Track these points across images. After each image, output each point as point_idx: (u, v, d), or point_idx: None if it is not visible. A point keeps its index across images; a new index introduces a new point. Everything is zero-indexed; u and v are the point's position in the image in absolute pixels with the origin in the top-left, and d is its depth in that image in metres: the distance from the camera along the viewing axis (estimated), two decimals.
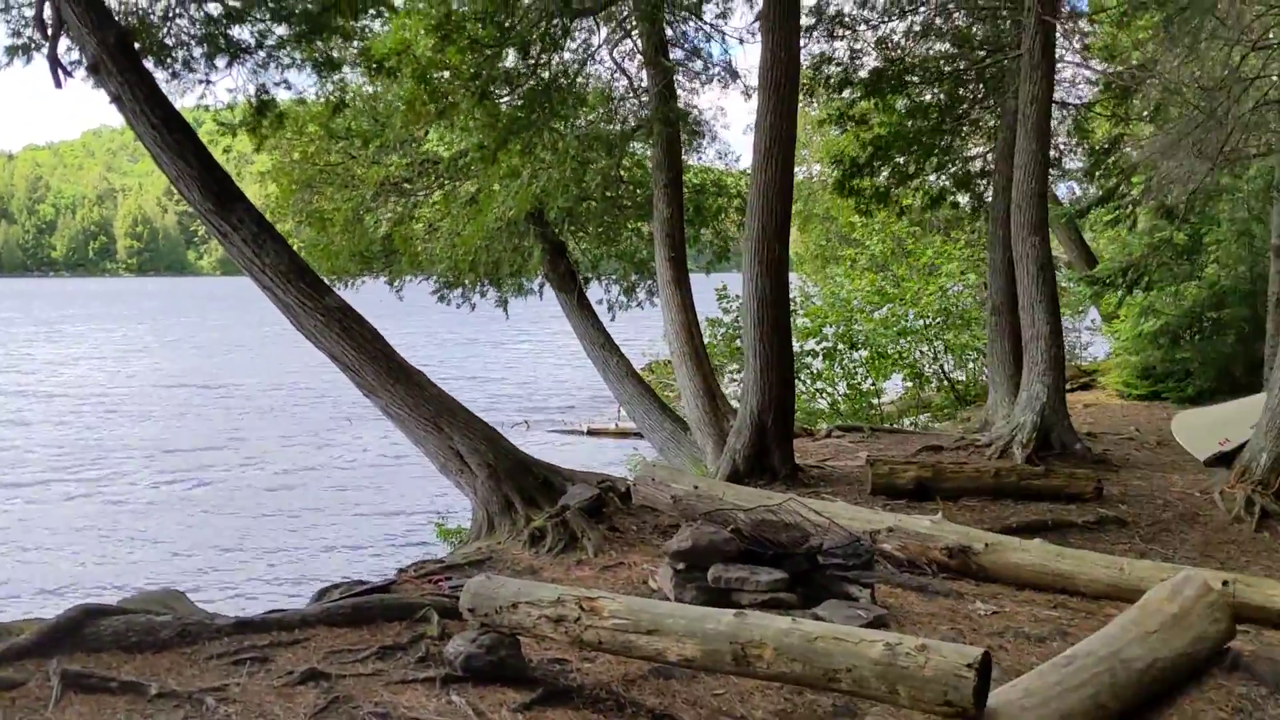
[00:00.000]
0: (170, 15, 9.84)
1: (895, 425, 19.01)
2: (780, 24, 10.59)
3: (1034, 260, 12.04)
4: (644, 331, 25.78)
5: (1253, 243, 19.95)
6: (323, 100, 13.31)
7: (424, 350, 42.49)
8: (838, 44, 15.85)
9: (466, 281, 16.18)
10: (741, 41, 15.90)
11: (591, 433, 27.03)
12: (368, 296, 17.88)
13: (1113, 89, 17.29)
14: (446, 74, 11.34)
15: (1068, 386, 16.45)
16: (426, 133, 15.76)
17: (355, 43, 11.32)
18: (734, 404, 15.82)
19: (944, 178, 16.76)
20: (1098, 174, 18.50)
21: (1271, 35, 18.70)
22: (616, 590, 6.99)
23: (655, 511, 9.02)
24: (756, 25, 13.89)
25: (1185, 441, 10.97)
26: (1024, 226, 12.10)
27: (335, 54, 11.13)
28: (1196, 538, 9.10)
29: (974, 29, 16.31)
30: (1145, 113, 18.35)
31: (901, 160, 16.01)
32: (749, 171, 17.88)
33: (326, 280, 16.43)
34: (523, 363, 45.21)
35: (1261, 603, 6.68)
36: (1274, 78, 18.50)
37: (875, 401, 19.84)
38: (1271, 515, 9.40)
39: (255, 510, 21.24)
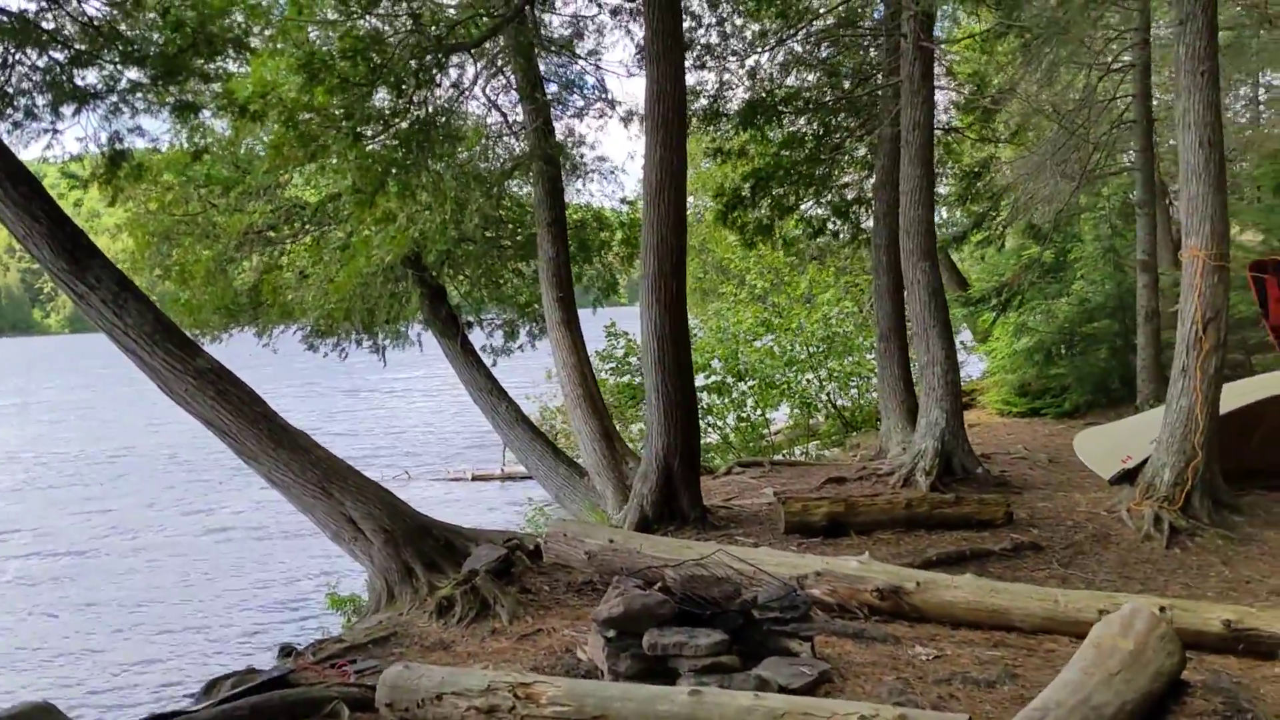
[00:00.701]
0: (9, 61, 9.06)
1: (789, 456, 18.91)
2: (664, 55, 10.32)
3: (925, 286, 12.01)
4: (531, 374, 25.28)
5: (1117, 258, 20.55)
6: (180, 147, 12.60)
7: (296, 403, 40.85)
8: (707, 75, 15.77)
9: (340, 331, 15.44)
10: (628, 74, 15.45)
11: (476, 479, 26.29)
12: (234, 348, 16.94)
13: (977, 112, 17.62)
14: (314, 116, 10.71)
15: None
16: (291, 178, 15.03)
17: (214, 85, 10.65)
18: (632, 445, 15.48)
19: (823, 207, 16.76)
20: (969, 197, 18.79)
21: (1127, 57, 19.41)
22: (539, 662, 6.52)
23: (568, 569, 8.55)
24: (639, 58, 13.70)
25: (1088, 460, 10.99)
26: (914, 253, 12.07)
27: (192, 98, 10.47)
28: (1112, 559, 9.05)
29: (841, 60, 16.41)
30: (1008, 135, 18.78)
31: (781, 192, 15.95)
32: (640, 206, 17.77)
33: (192, 335, 15.68)
34: (402, 411, 43.68)
35: (1199, 627, 6.57)
36: (1127, 99, 19.17)
37: (765, 433, 19.70)
38: (1180, 531, 9.43)
39: (116, 592, 19.40)
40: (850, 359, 20.16)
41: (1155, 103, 19.89)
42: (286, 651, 13.85)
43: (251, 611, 16.26)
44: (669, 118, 10.29)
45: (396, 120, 11.51)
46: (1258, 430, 11.00)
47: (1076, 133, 18.77)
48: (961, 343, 24.92)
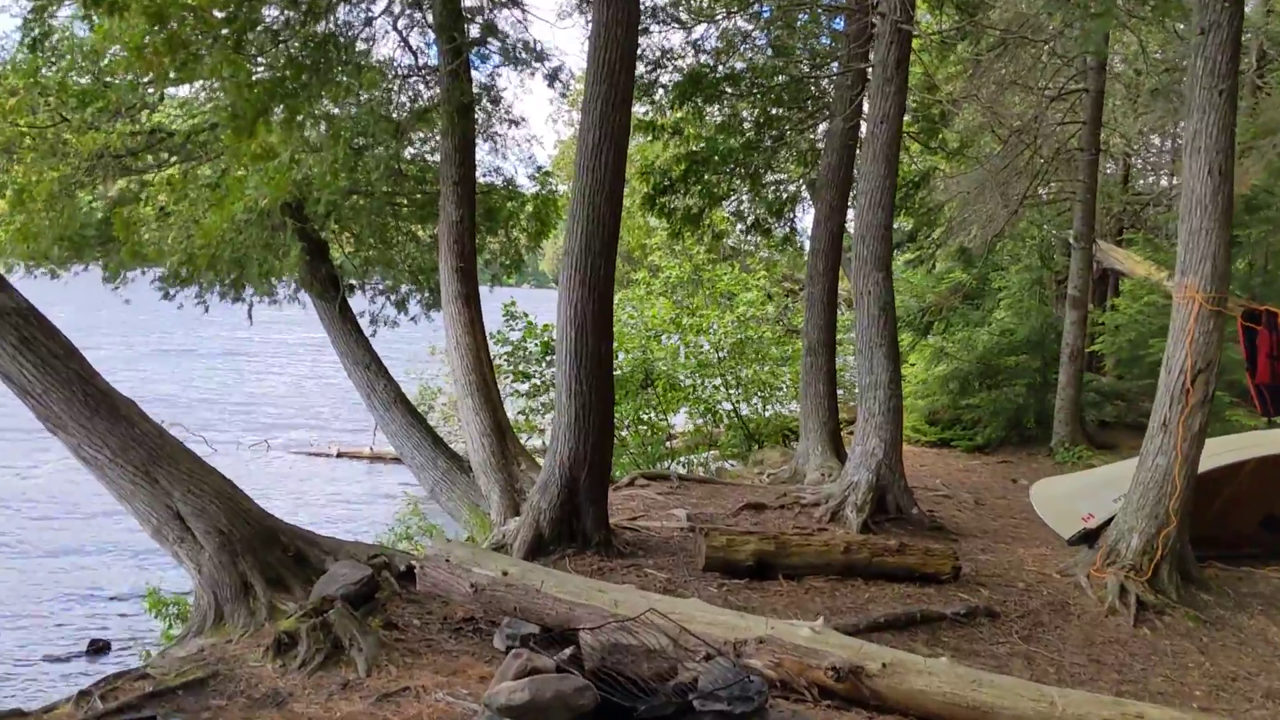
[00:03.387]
0: None
1: (689, 465, 17.53)
2: None
3: (876, 299, 10.70)
4: (415, 348, 23.31)
5: (1043, 292, 19.72)
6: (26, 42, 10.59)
7: (144, 362, 37.59)
8: (648, 40, 14.23)
9: (203, 281, 13.42)
10: (558, 18, 13.75)
11: (341, 455, 24.22)
12: (77, 292, 14.69)
13: (923, 120, 16.50)
14: (189, 16, 8.83)
15: (848, 428, 15.42)
16: (161, 96, 12.98)
17: None
18: (525, 441, 13.89)
19: (757, 203, 15.38)
20: (905, 209, 17.66)
21: (1073, 83, 18.54)
22: None
23: (445, 599, 6.94)
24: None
25: (1046, 516, 9.83)
26: (867, 261, 10.74)
27: None
28: (1077, 635, 7.85)
29: (792, 42, 15.05)
30: (954, 148, 17.74)
31: (714, 179, 14.51)
32: (555, 182, 16.13)
33: (22, 268, 13.48)
34: (277, 374, 40.53)
35: None
36: (1077, 125, 18.30)
37: (668, 444, 18.26)
38: (1147, 607, 8.31)
39: None
40: (762, 367, 18.82)
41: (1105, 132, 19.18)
42: (96, 647, 12.01)
43: (64, 600, 13.74)
44: (615, 67, 8.73)
45: (289, 36, 9.67)
46: (1219, 497, 10.00)
47: (1021, 155, 17.84)
48: None
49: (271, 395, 34.62)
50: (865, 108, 13.65)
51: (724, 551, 8.35)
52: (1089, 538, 9.20)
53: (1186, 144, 8.83)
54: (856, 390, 11.05)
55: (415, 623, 6.70)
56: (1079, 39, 14.08)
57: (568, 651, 4.99)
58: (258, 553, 6.84)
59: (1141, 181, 26.10)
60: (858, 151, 13.72)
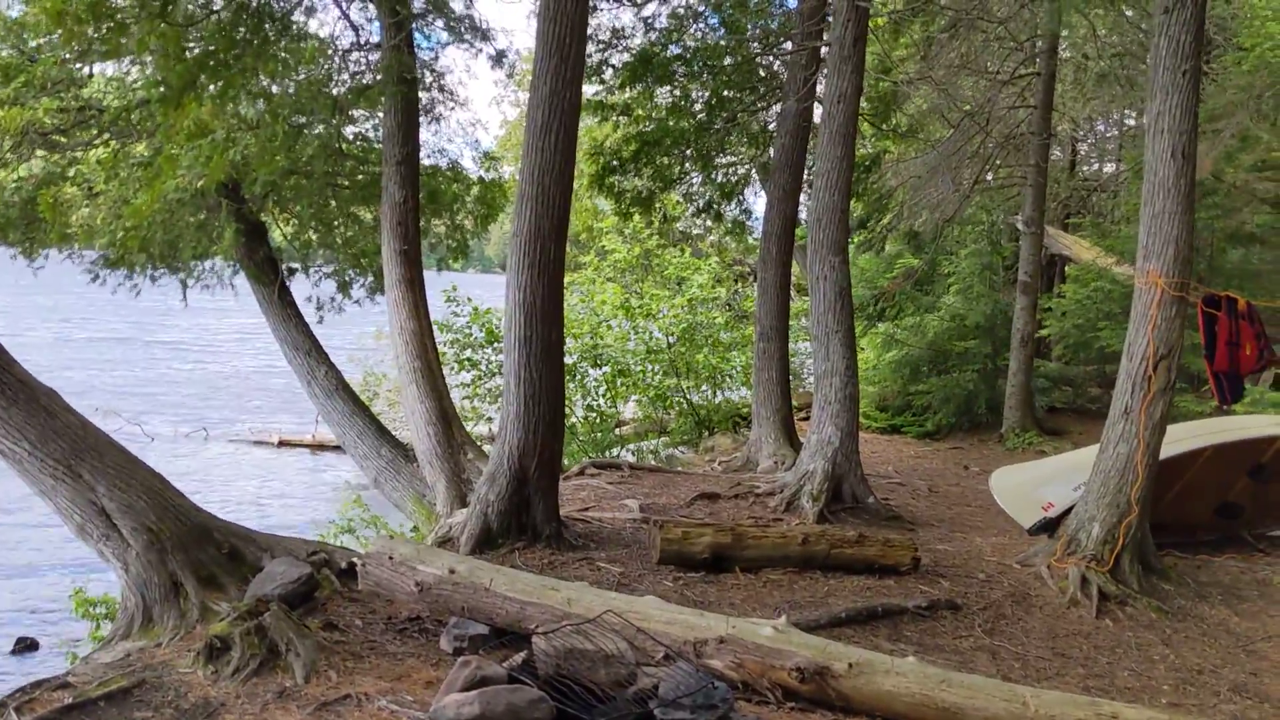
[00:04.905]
0: None
1: (638, 452, 17.24)
2: None
3: (833, 284, 10.45)
4: (358, 333, 22.75)
5: (993, 277, 19.66)
6: None
7: (76, 349, 36.41)
8: (598, 19, 13.89)
9: (135, 263, 12.83)
10: None
11: (283, 444, 23.63)
12: (6, 276, 14.04)
13: (875, 102, 16.32)
14: None
15: (802, 415, 15.26)
16: (89, 71, 12.39)
17: None
18: (471, 429, 13.52)
19: (708, 185, 15.09)
20: (858, 194, 17.45)
21: (1024, 68, 18.46)
22: None
23: (389, 598, 6.58)
24: None
25: (1006, 505, 9.67)
26: (823, 244, 10.49)
27: None
28: (1039, 627, 7.68)
29: (742, 19, 14.74)
30: (905, 129, 17.59)
31: (666, 161, 14.20)
32: (500, 166, 15.74)
33: None
34: (208, 361, 39.49)
35: None
36: (1028, 109, 18.23)
37: (618, 431, 17.94)
38: (1109, 597, 8.15)
39: None
40: (713, 353, 18.56)
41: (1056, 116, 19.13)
42: (24, 645, 11.49)
43: None
44: (565, 40, 8.37)
45: (222, 5, 9.17)
46: (1176, 485, 9.90)
47: (972, 139, 17.72)
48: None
49: (210, 382, 33.79)
50: (819, 89, 13.45)
51: (679, 544, 8.07)
52: (1049, 527, 9.06)
53: (1149, 126, 8.65)
54: (812, 377, 10.81)
55: (357, 623, 6.35)
56: (1048, 15, 13.88)
57: (520, 657, 4.68)
58: (189, 550, 6.43)
59: (1086, 168, 26.24)
60: (811, 134, 13.49)
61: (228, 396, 30.84)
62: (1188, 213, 8.48)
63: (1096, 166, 26.80)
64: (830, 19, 12.57)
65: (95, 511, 6.41)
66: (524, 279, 8.32)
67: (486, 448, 11.89)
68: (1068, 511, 8.91)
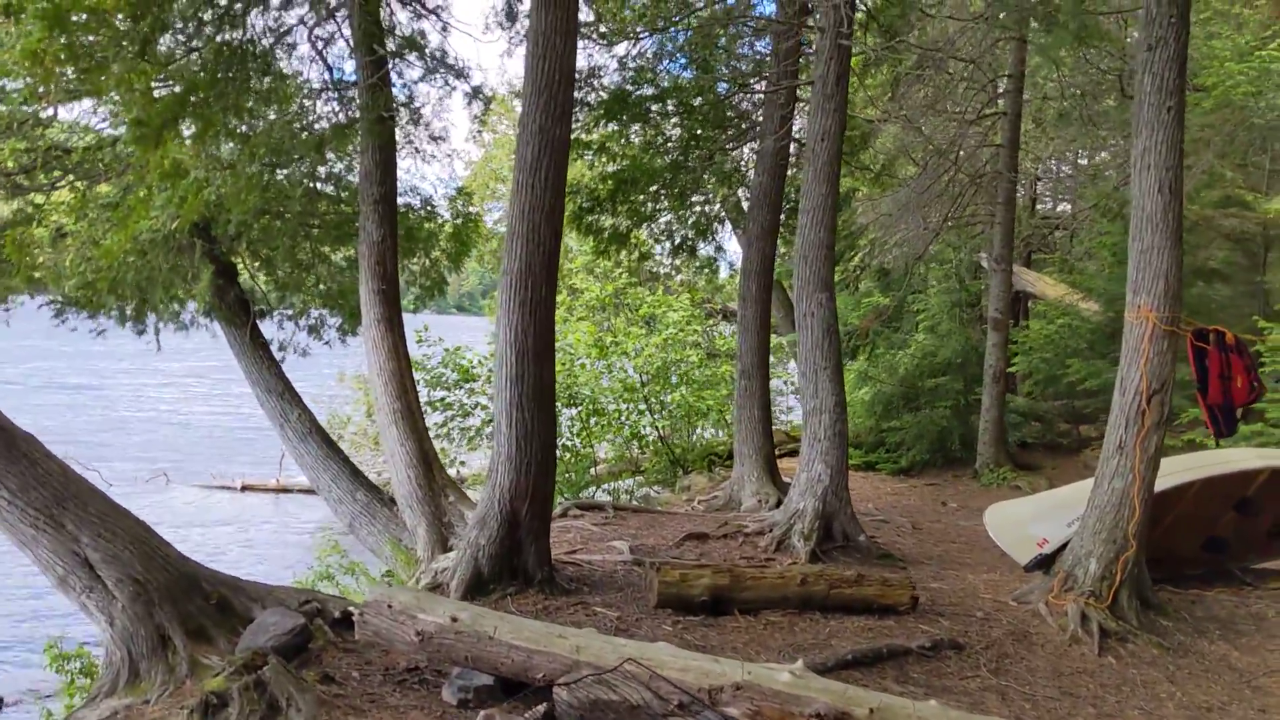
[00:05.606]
0: None
1: (614, 493, 17.05)
2: (555, 2, 8.31)
3: (820, 321, 10.40)
4: (321, 373, 22.35)
5: (963, 314, 19.78)
6: None
7: (36, 394, 35.51)
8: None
9: (105, 307, 12.49)
10: (493, 26, 13.17)
11: (246, 488, 23.15)
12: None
13: (847, 141, 16.38)
14: (91, 17, 8.13)
15: (778, 452, 15.15)
16: (56, 113, 12.14)
17: None
18: (452, 471, 13.29)
19: (682, 224, 15.04)
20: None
21: (989, 108, 18.67)
22: None
23: (385, 648, 6.36)
24: (503, 14, 11.69)
25: (1002, 543, 9.59)
26: (810, 281, 10.45)
27: None
28: (1043, 666, 7.57)
29: (715, 58, 14.77)
30: (876, 170, 17.70)
31: (641, 199, 14.15)
32: (476, 201, 15.60)
33: None
34: (170, 404, 38.57)
35: None
36: (994, 148, 18.41)
37: (593, 470, 17.73)
38: (1110, 634, 8.08)
39: None
40: (689, 391, 18.45)
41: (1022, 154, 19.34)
42: None
43: None
44: (554, 77, 8.29)
45: (201, 44, 8.99)
46: (1166, 519, 9.88)
47: (940, 178, 17.86)
48: (791, 384, 23.78)
49: (172, 425, 33.12)
50: (796, 126, 13.49)
51: (677, 587, 7.90)
52: (1044, 563, 8.99)
53: (1135, 162, 8.70)
54: (786, 415, 10.72)
55: (354, 675, 6.12)
56: (1045, 48, 13.99)
57: (541, 709, 4.50)
58: (177, 602, 6.18)
59: (1041, 206, 26.60)
60: (789, 171, 13.52)
61: (186, 441, 30.22)
62: (1176, 247, 8.51)
63: (1051, 204, 27.21)
64: (807, 59, 12.65)
65: (78, 563, 6.15)
66: (515, 318, 8.17)
67: (469, 491, 11.69)
68: (1062, 548, 8.85)
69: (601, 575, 8.94)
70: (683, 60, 14.84)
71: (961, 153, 17.92)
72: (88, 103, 11.95)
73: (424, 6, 12.43)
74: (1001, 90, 17.67)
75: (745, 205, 16.31)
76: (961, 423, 18.41)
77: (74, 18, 8.47)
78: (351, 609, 6.51)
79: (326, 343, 13.95)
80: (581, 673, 4.78)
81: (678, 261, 18.13)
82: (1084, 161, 24.92)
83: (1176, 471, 9.66)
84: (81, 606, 6.28)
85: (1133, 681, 7.40)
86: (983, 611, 8.70)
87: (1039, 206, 26.16)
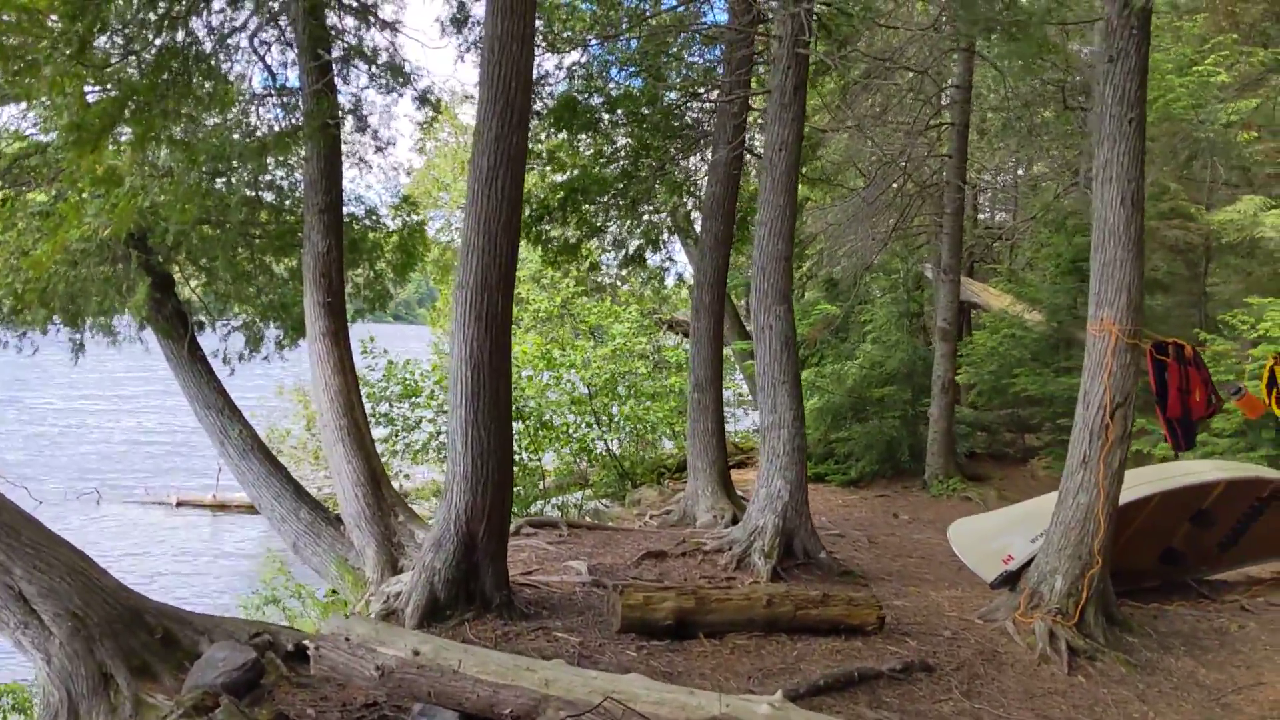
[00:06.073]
0: None
1: (562, 508, 16.76)
2: (512, 8, 8.06)
3: (778, 334, 10.23)
4: (254, 385, 21.79)
5: (910, 324, 19.78)
6: None
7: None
8: None
9: (35, 320, 11.94)
10: (443, 34, 12.83)
11: (181, 504, 22.45)
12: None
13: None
14: (22, 18, 7.72)
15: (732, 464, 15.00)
16: None
17: None
18: (396, 484, 12.92)
19: (633, 234, 14.84)
20: None
21: (944, 116, 18.69)
22: None
23: (341, 682, 6.04)
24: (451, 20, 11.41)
25: (968, 560, 9.46)
26: (768, 294, 10.28)
27: None
28: (1015, 686, 7.46)
29: (667, 66, 14.59)
30: (825, 178, 17.64)
31: (591, 209, 13.91)
32: (420, 210, 15.24)
33: None
34: (100, 419, 37.35)
35: None
36: (941, 158, 18.44)
37: (541, 484, 17.40)
38: (1079, 652, 7.99)
39: None
40: (639, 403, 18.21)
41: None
42: None
43: None
44: (510, 85, 8.03)
45: (141, 46, 8.59)
46: (1125, 533, 9.85)
47: (889, 188, 17.85)
48: (738, 395, 23.67)
49: (103, 440, 32.15)
50: (747, 137, 13.34)
51: (641, 611, 7.66)
52: (1010, 580, 8.88)
53: (1097, 174, 8.65)
54: (760, 429, 10.55)
55: (310, 712, 5.79)
56: (1003, 57, 13.96)
57: None
58: (119, 637, 5.81)
59: (982, 216, 26.83)
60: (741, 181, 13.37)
61: (116, 456, 29.34)
62: (1138, 259, 8.46)
63: (990, 215, 27.47)
64: (763, 67, 12.51)
65: (11, 596, 5.77)
66: (470, 332, 7.88)
67: (418, 509, 11.36)
68: (1028, 563, 8.75)
69: (560, 598, 8.67)
70: (632, 69, 14.65)
71: (908, 163, 17.90)
72: (16, 107, 11.46)
73: (371, 11, 12.08)
74: (948, 101, 17.68)
75: (694, 216, 16.16)
76: (910, 433, 18.38)
77: (3, 17, 8.04)
78: (306, 642, 6.18)
79: (265, 357, 13.49)
80: (559, 715, 4.52)
81: (625, 272, 17.87)
82: (1022, 172, 25.20)
83: (1136, 485, 9.63)
84: (16, 644, 5.89)
85: (1104, 701, 7.31)
86: (950, 630, 8.56)
87: (980, 217, 26.38)
